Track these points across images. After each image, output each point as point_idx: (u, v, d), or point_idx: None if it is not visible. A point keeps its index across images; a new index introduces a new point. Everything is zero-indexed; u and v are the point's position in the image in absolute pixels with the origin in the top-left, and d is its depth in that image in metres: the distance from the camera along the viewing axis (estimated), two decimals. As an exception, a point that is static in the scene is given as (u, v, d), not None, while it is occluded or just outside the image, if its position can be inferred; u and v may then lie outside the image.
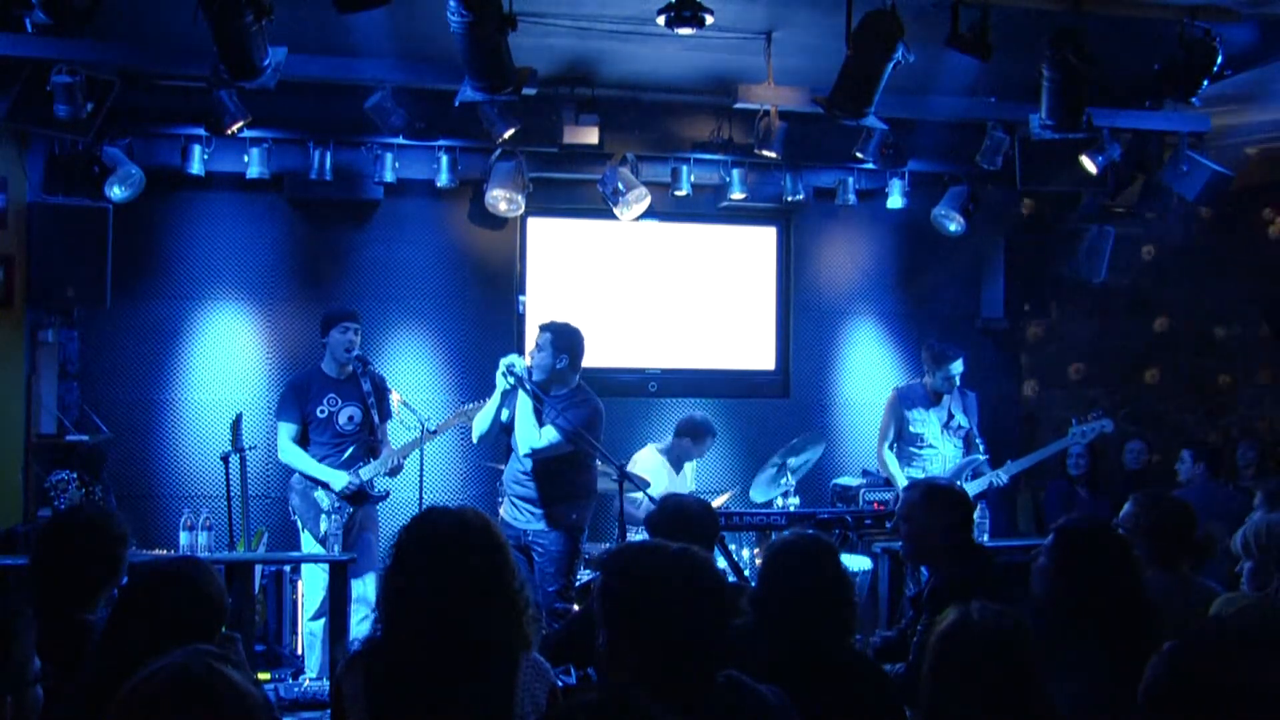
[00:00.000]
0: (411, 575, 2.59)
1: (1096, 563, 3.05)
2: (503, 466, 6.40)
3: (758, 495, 7.36)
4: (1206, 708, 1.82)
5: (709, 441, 7.34)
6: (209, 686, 1.88)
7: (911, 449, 6.95)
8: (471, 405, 6.32)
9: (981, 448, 7.00)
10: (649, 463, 7.23)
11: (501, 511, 6.13)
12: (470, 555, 2.59)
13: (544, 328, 6.03)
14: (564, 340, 5.94)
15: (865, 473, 7.62)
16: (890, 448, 7.00)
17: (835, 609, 3.15)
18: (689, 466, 7.44)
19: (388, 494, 6.51)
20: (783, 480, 7.14)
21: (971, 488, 6.65)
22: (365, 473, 6.28)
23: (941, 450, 6.92)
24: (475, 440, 6.16)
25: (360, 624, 6.11)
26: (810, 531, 3.56)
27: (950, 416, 6.96)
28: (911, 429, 6.93)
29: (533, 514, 5.95)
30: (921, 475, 6.66)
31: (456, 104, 6.20)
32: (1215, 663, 1.84)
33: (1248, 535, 4.01)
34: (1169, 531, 3.88)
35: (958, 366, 6.89)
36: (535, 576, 5.87)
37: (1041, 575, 3.18)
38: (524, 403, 5.87)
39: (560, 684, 2.83)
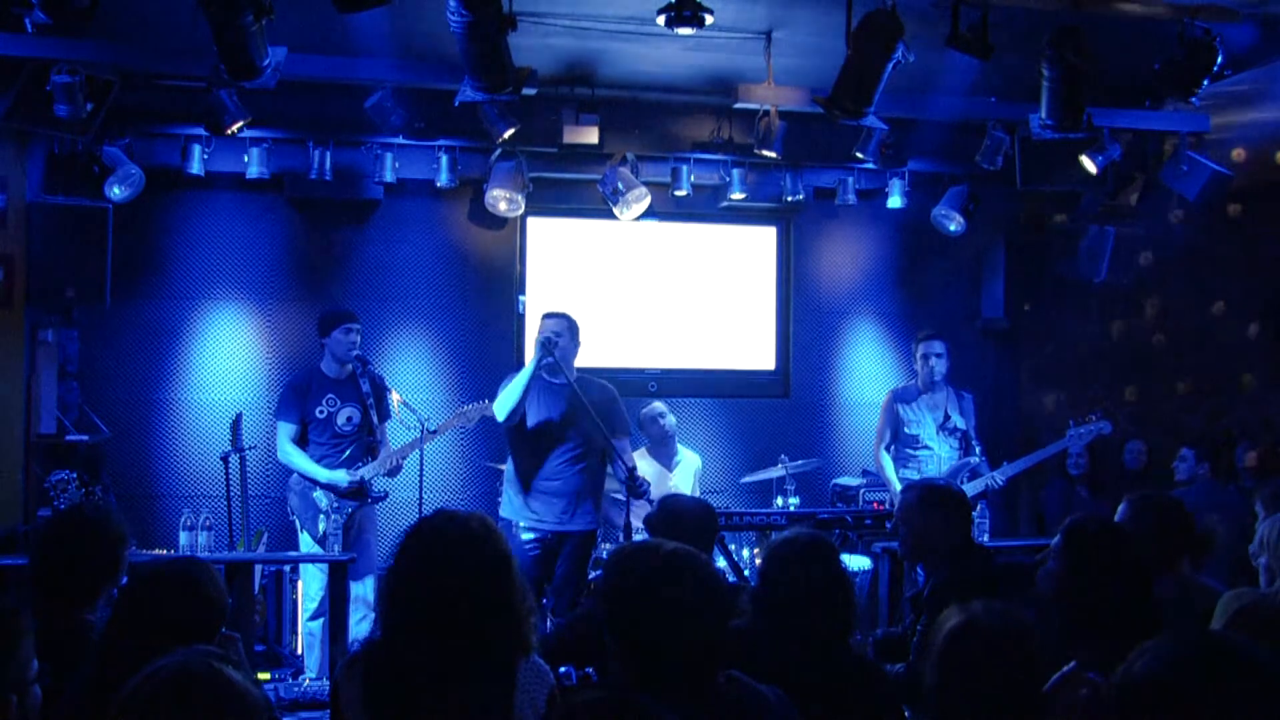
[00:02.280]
0: (414, 577, 2.58)
1: (1105, 562, 3.05)
2: (503, 466, 6.37)
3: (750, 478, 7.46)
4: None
5: (660, 420, 7.26)
6: (210, 686, 1.88)
7: (907, 450, 6.94)
8: (471, 406, 6.31)
9: (978, 450, 6.99)
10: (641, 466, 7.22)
11: (504, 511, 6.09)
12: (475, 561, 2.58)
13: (560, 316, 6.02)
14: (577, 327, 6.04)
15: (865, 473, 7.63)
16: (887, 449, 7.00)
17: (836, 608, 3.15)
18: (689, 471, 7.38)
19: (387, 494, 6.50)
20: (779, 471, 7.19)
21: (968, 489, 6.63)
22: (364, 473, 6.28)
23: (937, 451, 6.91)
24: (502, 418, 5.92)
25: (359, 624, 6.12)
26: (811, 531, 3.56)
27: (946, 417, 6.95)
28: (907, 430, 6.92)
29: (571, 509, 5.95)
30: (917, 476, 6.66)
31: (456, 104, 6.19)
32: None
33: (1264, 534, 4.06)
34: (1165, 531, 3.88)
35: (935, 346, 6.88)
36: (558, 574, 5.87)
37: (1050, 575, 3.18)
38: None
39: (561, 683, 2.83)
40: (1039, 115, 6.32)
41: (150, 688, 1.87)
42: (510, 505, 6.07)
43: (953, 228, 7.98)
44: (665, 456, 7.28)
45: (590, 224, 8.14)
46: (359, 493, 6.28)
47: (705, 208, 8.17)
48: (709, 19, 5.56)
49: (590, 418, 5.79)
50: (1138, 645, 1.90)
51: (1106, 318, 8.76)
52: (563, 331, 5.94)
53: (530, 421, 5.95)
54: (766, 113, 6.97)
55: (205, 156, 7.03)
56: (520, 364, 6.87)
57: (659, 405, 7.38)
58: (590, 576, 6.33)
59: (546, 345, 5.82)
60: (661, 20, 5.59)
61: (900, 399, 7.01)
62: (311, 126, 7.18)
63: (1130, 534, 3.36)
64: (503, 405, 5.93)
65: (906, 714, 3.38)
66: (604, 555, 6.01)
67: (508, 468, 6.16)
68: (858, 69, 5.71)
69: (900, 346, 8.52)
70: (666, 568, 2.48)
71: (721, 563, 6.36)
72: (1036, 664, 2.30)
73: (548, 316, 6.07)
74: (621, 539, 6.32)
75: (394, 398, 6.45)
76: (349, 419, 6.34)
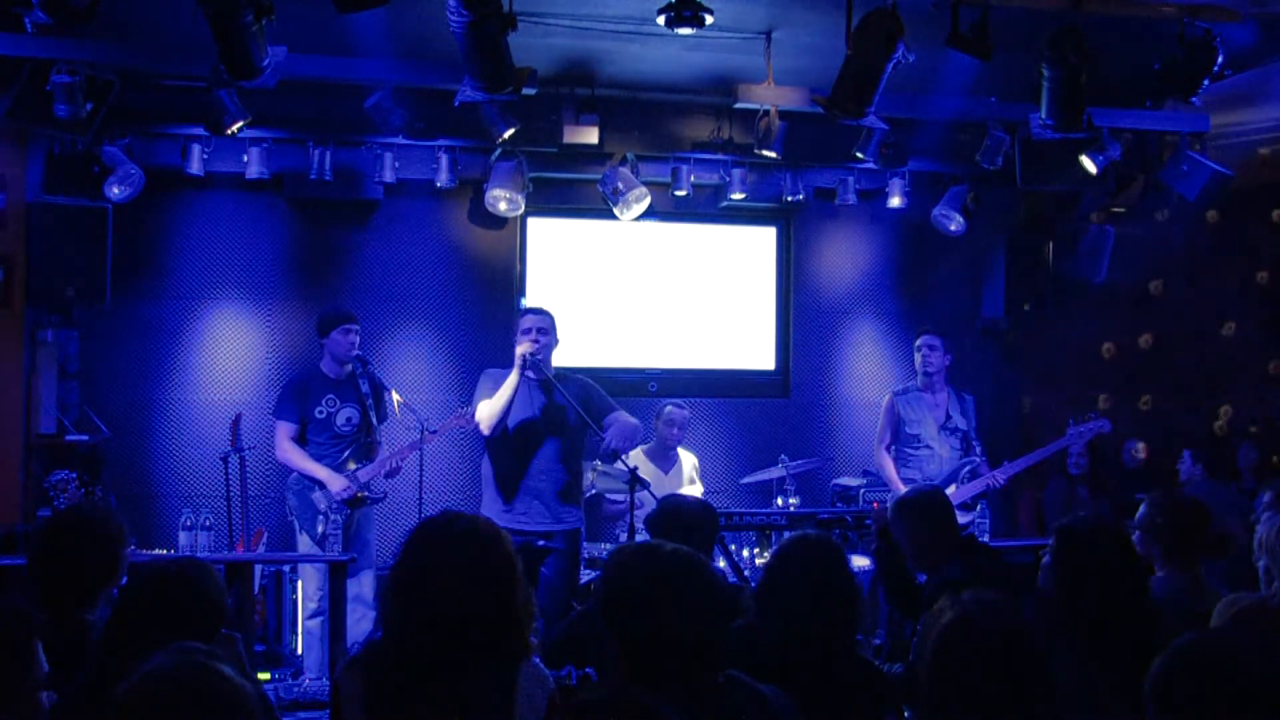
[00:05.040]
0: (418, 577, 2.58)
1: (1096, 562, 3.06)
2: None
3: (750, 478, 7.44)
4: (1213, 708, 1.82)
5: (673, 414, 7.17)
6: (195, 685, 1.87)
7: (908, 450, 6.94)
8: (470, 408, 6.29)
9: (978, 450, 6.99)
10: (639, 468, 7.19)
11: (485, 513, 6.01)
12: (479, 563, 2.58)
13: (541, 311, 5.95)
14: (555, 322, 5.95)
15: (866, 472, 7.62)
16: (888, 449, 7.00)
17: (840, 610, 3.15)
18: (688, 468, 7.38)
19: (386, 495, 6.50)
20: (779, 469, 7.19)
21: (968, 489, 6.67)
22: (363, 474, 6.27)
23: (938, 451, 6.91)
24: (486, 431, 5.86)
25: (358, 623, 6.11)
26: (820, 532, 3.57)
27: (947, 417, 6.95)
28: (908, 430, 6.92)
29: (557, 508, 5.83)
30: (918, 476, 6.67)
31: (456, 104, 6.19)
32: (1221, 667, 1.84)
33: (1263, 534, 4.05)
34: (1182, 531, 3.88)
35: (930, 340, 6.88)
36: (552, 577, 5.75)
37: (1044, 574, 3.20)
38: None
39: (560, 684, 2.83)
40: (1039, 115, 6.33)
41: (139, 690, 1.86)
42: (492, 508, 5.87)
43: (953, 228, 7.98)
44: (663, 460, 7.25)
45: (590, 224, 8.14)
46: (358, 500, 6.28)
47: (705, 208, 8.17)
48: (709, 19, 5.57)
49: (574, 411, 5.74)
50: (1130, 645, 1.91)
51: (1107, 318, 8.75)
52: (547, 329, 5.84)
53: (512, 422, 5.83)
54: (766, 113, 6.98)
55: (205, 156, 7.02)
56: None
57: (676, 413, 7.25)
58: (588, 578, 6.34)
59: (525, 361, 5.70)
60: (661, 20, 5.60)
61: (901, 399, 7.02)
62: (311, 126, 7.18)
63: (1131, 534, 3.37)
64: (487, 417, 5.82)
65: (906, 714, 3.38)
66: (604, 555, 6.00)
67: (486, 469, 6.02)
68: (858, 69, 5.71)
69: (900, 346, 8.51)
70: (666, 568, 2.48)
71: (721, 563, 6.35)
72: (1030, 657, 2.30)
73: (530, 312, 5.98)
74: (622, 539, 6.32)
75: (394, 398, 6.44)
76: (348, 420, 6.34)
